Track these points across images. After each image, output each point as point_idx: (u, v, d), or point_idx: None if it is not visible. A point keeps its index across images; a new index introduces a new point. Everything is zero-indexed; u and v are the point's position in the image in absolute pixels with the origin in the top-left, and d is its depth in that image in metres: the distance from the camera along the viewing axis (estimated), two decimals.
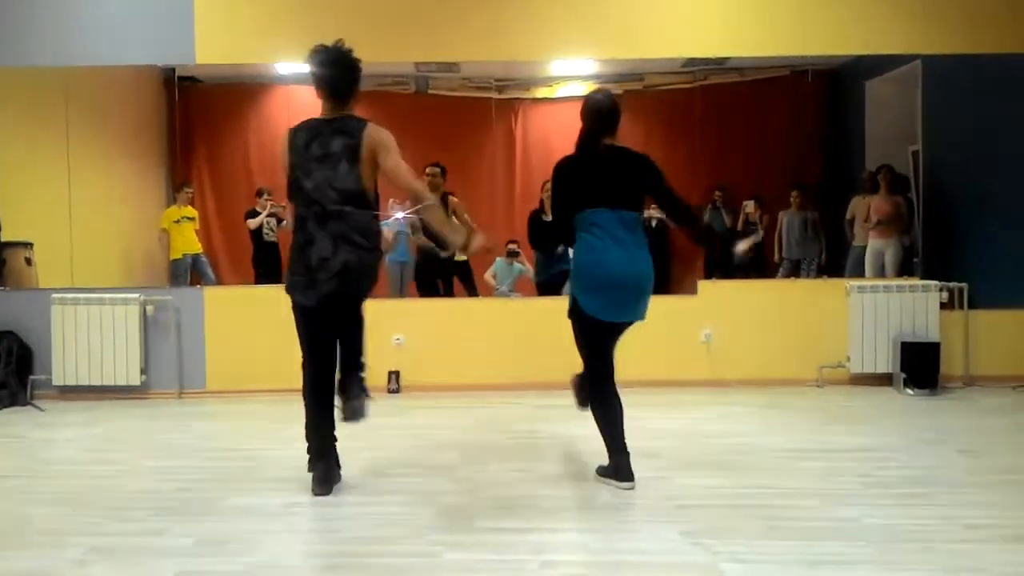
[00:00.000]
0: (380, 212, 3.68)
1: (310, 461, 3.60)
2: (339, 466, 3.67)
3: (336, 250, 3.41)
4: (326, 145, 3.46)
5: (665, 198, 3.58)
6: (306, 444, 3.60)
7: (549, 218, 5.38)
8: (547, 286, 6.30)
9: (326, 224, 3.43)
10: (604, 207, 3.44)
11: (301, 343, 3.57)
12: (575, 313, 3.55)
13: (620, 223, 3.45)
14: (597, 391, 3.59)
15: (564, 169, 3.57)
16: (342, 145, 3.45)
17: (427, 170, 6.15)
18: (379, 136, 3.48)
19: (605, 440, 3.58)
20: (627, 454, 3.54)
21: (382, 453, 4.21)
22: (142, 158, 6.68)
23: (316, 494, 3.50)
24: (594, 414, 3.61)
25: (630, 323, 3.57)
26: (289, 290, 3.52)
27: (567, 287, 6.38)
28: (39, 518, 3.31)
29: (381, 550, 2.91)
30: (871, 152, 6.47)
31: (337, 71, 3.51)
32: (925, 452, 4.14)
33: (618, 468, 3.54)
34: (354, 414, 3.57)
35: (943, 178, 6.09)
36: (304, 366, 3.56)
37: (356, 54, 3.56)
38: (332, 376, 3.58)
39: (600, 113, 3.55)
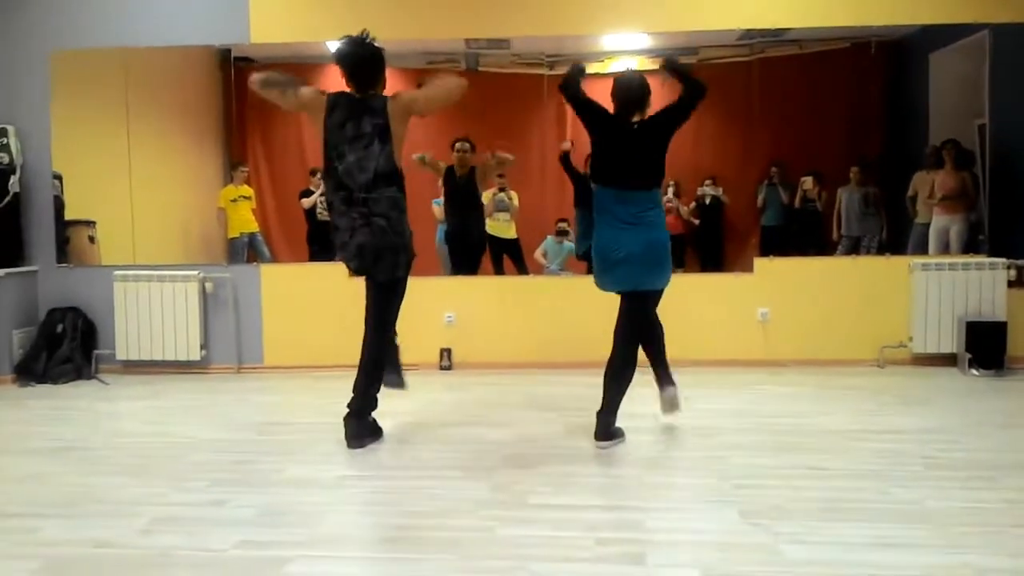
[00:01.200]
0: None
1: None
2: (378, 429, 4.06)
3: (353, 233, 3.76)
4: (358, 126, 3.73)
5: (678, 107, 3.71)
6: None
7: None
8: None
9: (350, 208, 3.77)
10: (610, 186, 3.73)
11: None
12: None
13: (619, 201, 3.71)
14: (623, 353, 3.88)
15: (601, 123, 3.79)
16: (372, 125, 3.71)
17: (456, 145, 6.18)
18: (398, 100, 3.75)
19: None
20: (614, 417, 3.88)
21: (435, 429, 4.24)
22: (199, 138, 6.78)
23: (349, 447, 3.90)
24: (606, 374, 3.91)
25: (632, 293, 3.82)
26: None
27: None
28: (104, 488, 3.41)
29: (436, 523, 2.93)
30: (935, 126, 6.24)
31: (357, 66, 3.77)
32: (990, 434, 4.02)
33: (606, 427, 3.87)
34: (391, 384, 4.01)
35: (1011, 153, 5.85)
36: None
37: (377, 42, 3.82)
38: None
39: (628, 92, 3.74)
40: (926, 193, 6.08)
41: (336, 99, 3.79)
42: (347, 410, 3.92)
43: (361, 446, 3.89)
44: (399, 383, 4.11)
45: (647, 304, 3.89)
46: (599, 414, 3.87)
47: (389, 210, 3.77)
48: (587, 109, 3.81)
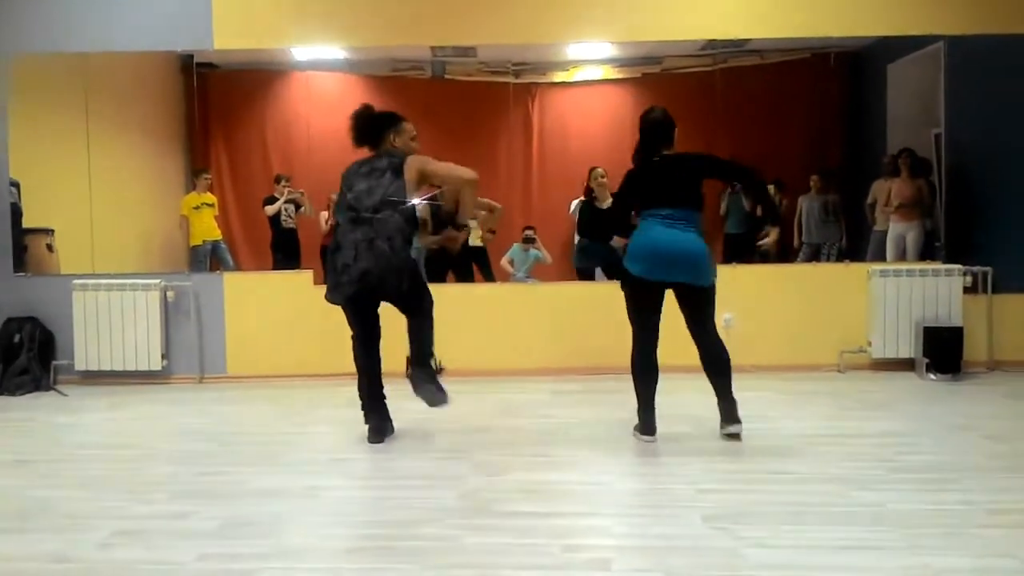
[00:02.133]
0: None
1: (365, 416, 4.16)
2: (390, 420, 4.24)
3: (357, 256, 3.83)
4: (372, 164, 4.02)
5: (725, 169, 4.23)
6: (360, 403, 4.17)
7: (602, 206, 5.92)
8: (585, 273, 6.35)
9: (356, 229, 3.88)
10: (660, 207, 3.89)
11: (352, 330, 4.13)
12: (626, 282, 3.97)
13: (672, 215, 3.88)
14: (642, 359, 4.00)
15: (632, 178, 4.04)
16: (387, 163, 3.99)
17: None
18: (419, 160, 4.02)
19: (639, 399, 4.04)
20: (654, 412, 4.04)
21: (402, 438, 4.22)
22: (161, 145, 6.70)
23: (371, 442, 4.07)
24: (635, 378, 4.03)
25: (671, 286, 3.94)
26: (328, 291, 4.00)
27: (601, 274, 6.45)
28: (63, 501, 3.34)
29: (402, 533, 2.92)
30: (893, 135, 6.38)
31: (361, 133, 4.11)
32: (949, 437, 4.10)
33: (646, 424, 4.03)
34: (431, 403, 4.04)
35: (966, 161, 6.00)
36: (352, 339, 4.13)
37: (374, 111, 4.16)
38: (373, 350, 4.16)
39: (657, 127, 4.00)
40: (884, 201, 6.21)
41: (349, 166, 4.11)
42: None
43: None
44: (433, 401, 4.07)
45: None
46: (644, 411, 4.07)
47: (394, 233, 3.86)
48: (626, 202, 4.08)
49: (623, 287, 4.01)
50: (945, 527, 2.87)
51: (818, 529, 2.87)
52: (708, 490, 3.31)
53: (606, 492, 3.38)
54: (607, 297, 4.45)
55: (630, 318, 4.03)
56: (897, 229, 6.15)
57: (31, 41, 5.87)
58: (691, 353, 3.97)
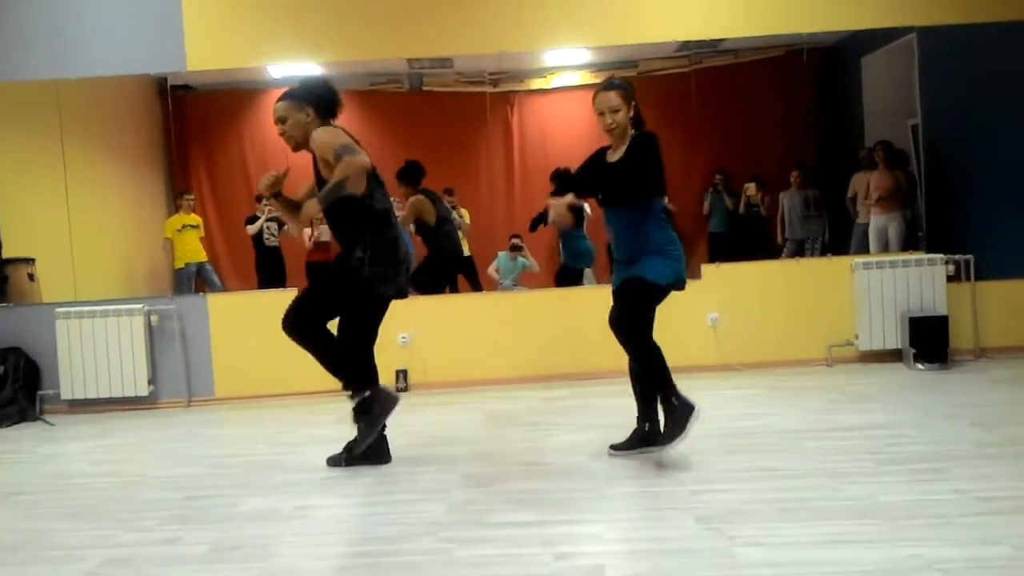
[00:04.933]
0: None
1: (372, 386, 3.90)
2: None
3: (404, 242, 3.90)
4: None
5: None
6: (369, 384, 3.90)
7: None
8: (568, 272, 6.36)
9: (395, 215, 3.88)
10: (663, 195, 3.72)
11: (364, 331, 3.88)
12: (654, 289, 3.59)
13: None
14: (656, 352, 3.61)
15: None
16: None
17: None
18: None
19: (668, 384, 3.61)
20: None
21: (391, 452, 4.20)
22: (140, 168, 6.67)
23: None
24: (663, 367, 3.60)
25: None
26: (368, 283, 3.72)
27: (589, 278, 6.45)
28: (52, 532, 3.30)
29: (393, 549, 2.90)
30: (870, 128, 6.42)
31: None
32: (937, 427, 4.11)
33: (685, 402, 3.58)
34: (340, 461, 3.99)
35: (944, 151, 6.04)
36: (362, 349, 3.89)
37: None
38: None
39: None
40: (864, 194, 6.24)
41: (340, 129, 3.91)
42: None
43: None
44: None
45: None
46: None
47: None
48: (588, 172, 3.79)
49: (648, 291, 3.60)
50: (935, 517, 2.87)
51: (809, 525, 2.87)
52: (700, 491, 3.30)
53: (597, 498, 3.36)
54: (596, 302, 4.45)
55: (647, 326, 3.64)
56: (879, 221, 6.18)
57: (2, 70, 5.84)
58: (669, 352, 3.78)
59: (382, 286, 3.76)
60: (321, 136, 3.67)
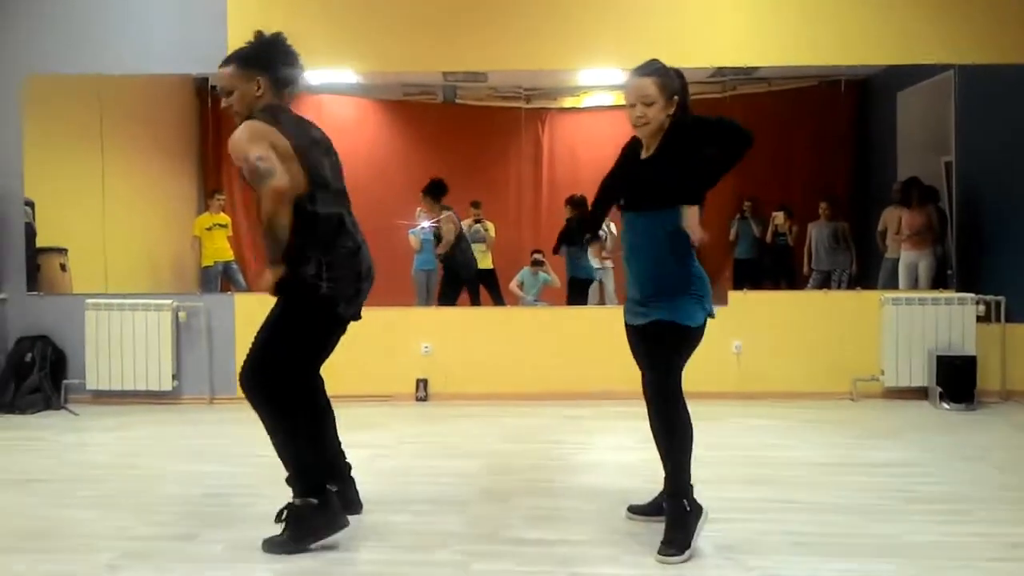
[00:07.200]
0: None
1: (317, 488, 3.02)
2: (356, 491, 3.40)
3: (368, 255, 3.15)
4: (312, 130, 3.15)
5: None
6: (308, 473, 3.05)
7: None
8: (577, 285, 6.42)
9: (356, 225, 3.13)
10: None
11: (310, 354, 3.20)
12: (694, 333, 3.04)
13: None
14: (684, 409, 3.04)
15: None
16: (321, 133, 3.18)
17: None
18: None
19: (684, 470, 3.01)
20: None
21: (409, 461, 4.21)
22: (174, 166, 6.75)
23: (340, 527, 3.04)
24: (679, 436, 3.02)
25: None
26: (328, 302, 3.03)
27: (593, 296, 6.47)
28: (71, 522, 3.34)
29: (410, 558, 2.90)
30: (903, 163, 6.38)
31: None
32: (962, 468, 4.06)
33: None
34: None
35: (977, 189, 5.99)
36: (298, 375, 3.17)
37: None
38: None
39: None
40: (895, 229, 6.20)
41: (286, 113, 3.14)
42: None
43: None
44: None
45: None
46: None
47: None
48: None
49: (685, 335, 3.01)
50: (958, 559, 2.84)
51: (828, 560, 2.84)
52: (718, 519, 3.27)
53: (615, 519, 3.35)
54: (616, 322, 4.45)
55: (676, 372, 3.03)
56: (909, 257, 6.13)
57: (46, 63, 5.95)
58: (691, 378, 3.45)
59: (342, 305, 3.04)
60: (237, 135, 2.92)
